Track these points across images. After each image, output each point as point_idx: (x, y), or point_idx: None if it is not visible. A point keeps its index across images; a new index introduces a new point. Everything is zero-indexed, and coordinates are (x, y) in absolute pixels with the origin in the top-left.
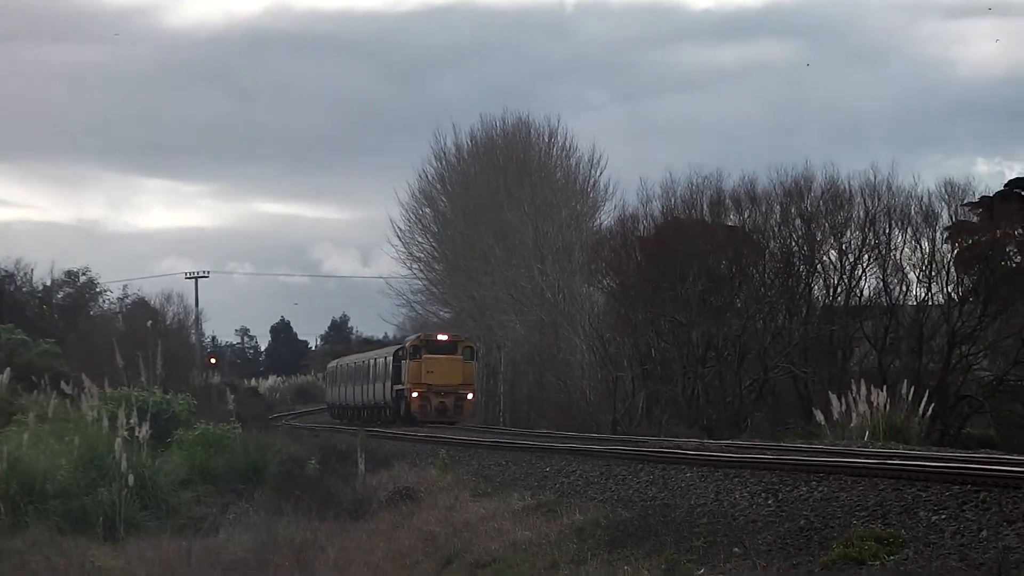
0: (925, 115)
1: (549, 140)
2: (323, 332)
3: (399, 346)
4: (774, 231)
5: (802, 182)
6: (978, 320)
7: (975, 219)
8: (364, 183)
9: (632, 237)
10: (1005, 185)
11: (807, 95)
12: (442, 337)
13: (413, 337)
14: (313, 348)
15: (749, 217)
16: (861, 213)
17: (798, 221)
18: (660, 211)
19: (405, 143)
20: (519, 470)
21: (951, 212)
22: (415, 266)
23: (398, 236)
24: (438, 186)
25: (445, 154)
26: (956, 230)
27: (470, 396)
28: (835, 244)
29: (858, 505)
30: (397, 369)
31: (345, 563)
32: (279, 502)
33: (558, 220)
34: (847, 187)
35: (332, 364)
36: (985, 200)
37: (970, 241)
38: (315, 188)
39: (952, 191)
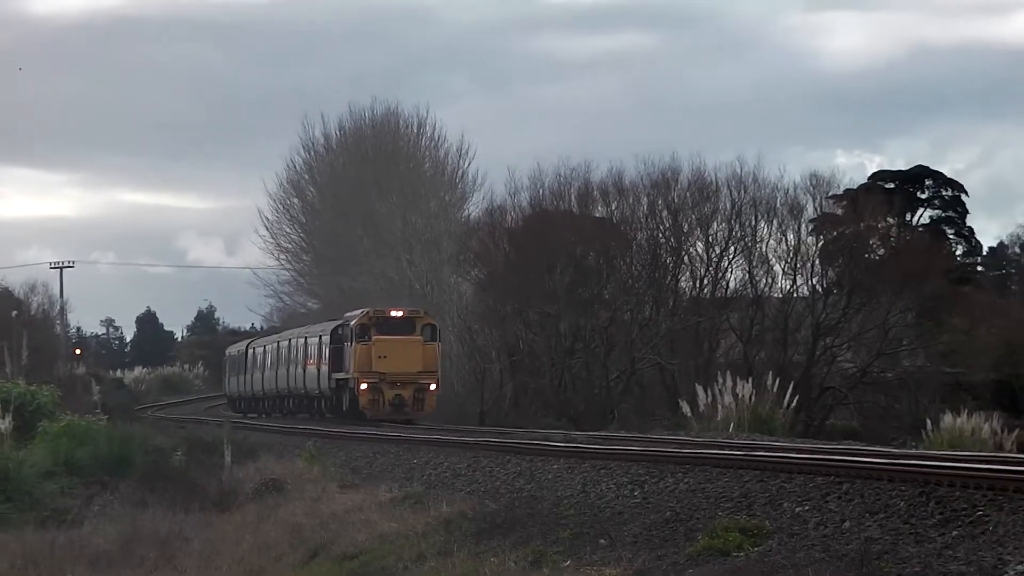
0: (788, 107)
1: (418, 130)
2: (189, 323)
3: (337, 324)
4: (641, 222)
5: (669, 174)
6: (842, 312)
7: (839, 212)
8: (230, 172)
9: (500, 228)
10: (869, 178)
11: (673, 85)
12: (396, 313)
13: (359, 313)
14: (179, 339)
15: (617, 208)
16: (727, 205)
17: (665, 213)
18: (528, 202)
19: (273, 132)
20: (387, 462)
21: (816, 204)
22: (283, 257)
23: (265, 226)
24: (306, 176)
25: (313, 144)
26: (821, 222)
27: (432, 387)
28: (702, 236)
29: (723, 496)
30: (337, 353)
31: (210, 555)
32: (144, 494)
33: (426, 211)
34: (714, 179)
35: (237, 347)
36: (849, 193)
37: (834, 233)
38: (180, 177)
39: (817, 183)
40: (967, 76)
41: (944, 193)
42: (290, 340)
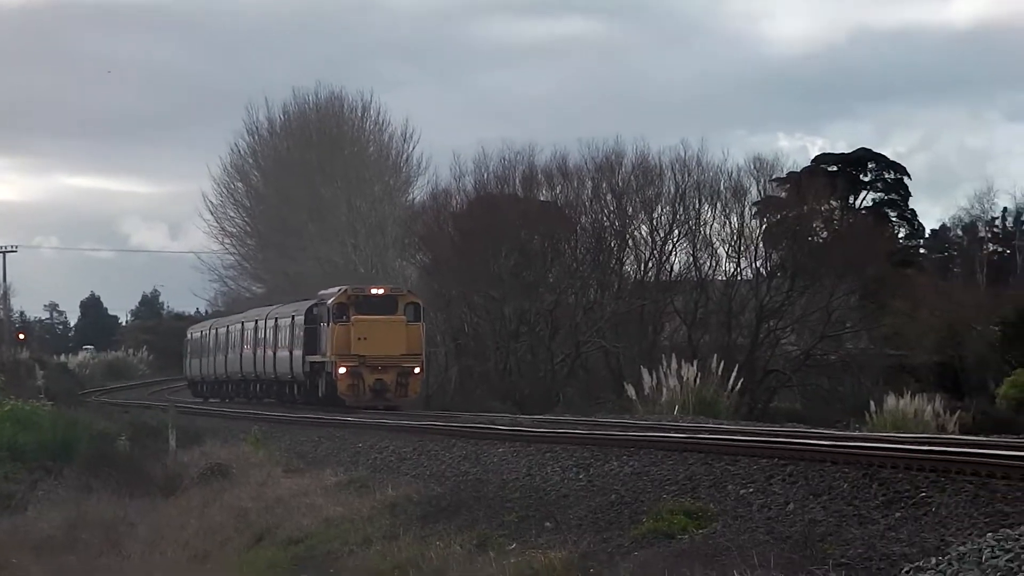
0: (731, 91)
1: (362, 115)
2: (133, 307)
3: (312, 303)
4: (586, 206)
5: (613, 157)
6: (785, 295)
7: (783, 195)
8: (173, 157)
9: (445, 212)
10: (812, 161)
11: (618, 70)
12: (377, 291)
13: (336, 291)
14: (124, 324)
15: (561, 192)
16: (671, 188)
17: (609, 196)
18: (473, 186)
19: (216, 117)
20: (332, 446)
21: (760, 188)
22: (227, 241)
23: (210, 211)
24: (250, 161)
25: (258, 128)
26: (764, 205)
27: (417, 370)
28: (646, 219)
29: (668, 479)
30: (312, 334)
31: (155, 540)
32: (89, 479)
33: (371, 195)
34: (658, 162)
35: (200, 328)
36: (793, 176)
37: (778, 216)
38: (123, 162)
39: (761, 167)
40: (909, 60)
41: (887, 176)
42: (258, 321)
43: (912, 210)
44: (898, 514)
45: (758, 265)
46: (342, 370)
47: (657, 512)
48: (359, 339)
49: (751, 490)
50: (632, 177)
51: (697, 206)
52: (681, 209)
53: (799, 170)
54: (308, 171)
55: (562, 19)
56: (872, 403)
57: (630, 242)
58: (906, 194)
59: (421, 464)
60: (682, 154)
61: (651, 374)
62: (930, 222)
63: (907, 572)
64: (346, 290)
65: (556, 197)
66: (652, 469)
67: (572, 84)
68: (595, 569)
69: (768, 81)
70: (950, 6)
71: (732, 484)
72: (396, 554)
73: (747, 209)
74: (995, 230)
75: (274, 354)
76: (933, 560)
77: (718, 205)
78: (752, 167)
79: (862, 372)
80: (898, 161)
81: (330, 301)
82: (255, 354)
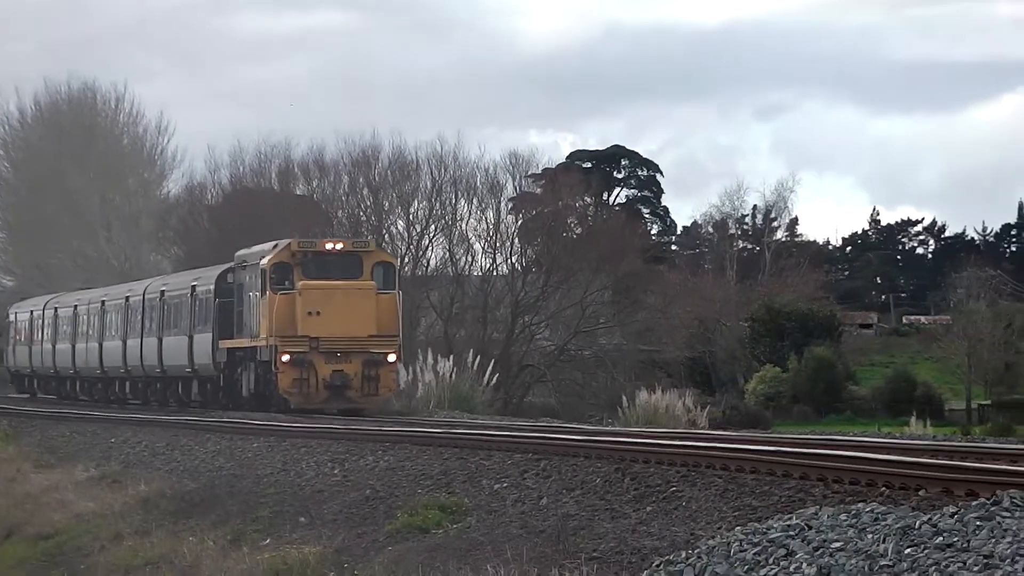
0: (485, 86)
1: (116, 106)
2: None
3: (227, 268)
4: (343, 201)
5: (370, 152)
6: (541, 291)
7: (538, 191)
8: None
9: (200, 206)
10: (567, 157)
11: (373, 64)
12: (334, 246)
13: (271, 247)
14: None
15: (318, 187)
16: (428, 183)
17: (366, 191)
18: (229, 179)
19: None
20: (84, 441)
21: (515, 183)
22: None
23: None
24: (1, 152)
25: (8, 119)
26: (520, 201)
27: (392, 358)
28: (402, 214)
29: (423, 474)
30: (228, 310)
31: None
32: None
33: (125, 188)
34: (414, 157)
35: (31, 305)
36: (548, 172)
37: (533, 212)
38: None
39: (516, 162)
40: (661, 57)
41: (640, 173)
42: (129, 298)
43: (664, 207)
44: (649, 508)
45: (514, 260)
46: (285, 358)
47: (412, 507)
48: (309, 314)
49: (505, 485)
50: (389, 172)
51: (453, 201)
52: (438, 204)
53: (554, 166)
54: (61, 163)
55: (315, 11)
56: (624, 398)
57: (387, 237)
58: (659, 191)
59: (175, 459)
60: (439, 149)
61: (407, 369)
62: (682, 219)
63: (657, 566)
64: (289, 244)
65: (313, 191)
66: (407, 464)
67: (328, 77)
68: (349, 564)
69: (520, 76)
70: (702, 4)
71: (486, 479)
72: (148, 550)
73: (503, 205)
74: (745, 227)
75: (158, 341)
76: (683, 554)
77: (474, 200)
78: (508, 163)
79: (615, 367)
80: (650, 159)
81: (265, 260)
82: (125, 343)
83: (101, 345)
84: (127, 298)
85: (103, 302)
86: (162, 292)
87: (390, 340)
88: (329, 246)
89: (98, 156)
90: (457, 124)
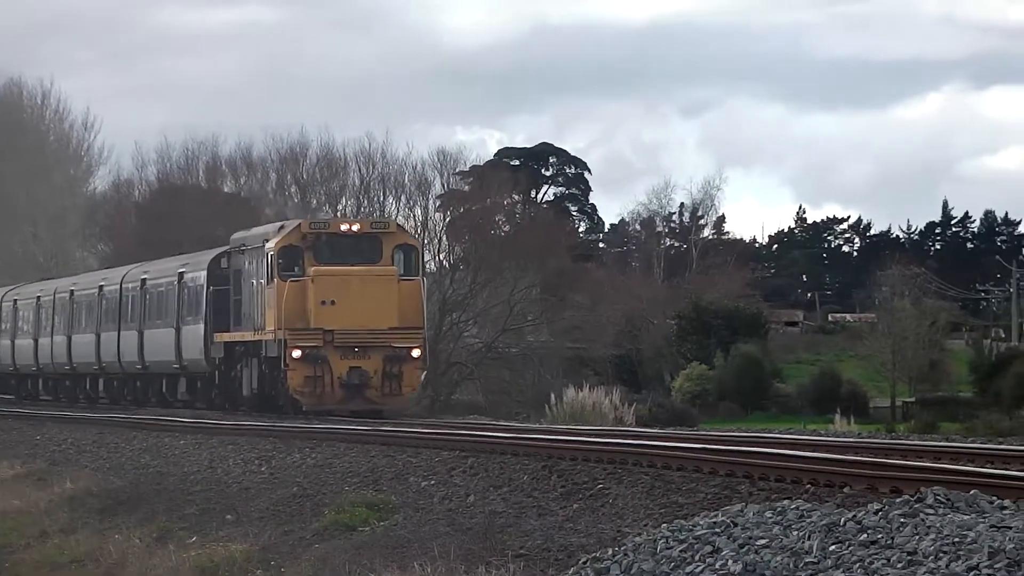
0: (412, 83)
1: (42, 102)
2: None
3: (222, 251)
4: (270, 198)
5: (298, 149)
6: (469, 288)
7: (466, 188)
8: None
9: (128, 202)
10: (495, 155)
11: (302, 59)
12: (350, 227)
13: (277, 228)
14: None
15: (246, 183)
16: (356, 181)
17: (294, 188)
18: (156, 176)
19: None
20: (9, 438)
21: (443, 181)
22: None
23: None
24: None
25: None
26: (448, 199)
27: (416, 353)
28: (330, 211)
29: (351, 471)
30: (224, 299)
31: None
32: None
33: (51, 185)
34: (342, 154)
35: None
36: (476, 169)
37: (461, 210)
38: None
39: (444, 160)
40: (588, 55)
41: (568, 170)
42: (103, 287)
43: (592, 205)
44: (576, 505)
45: (441, 258)
46: (296, 354)
47: (339, 504)
48: (322, 304)
49: (433, 482)
50: (317, 169)
51: (381, 199)
52: (366, 201)
53: (482, 164)
54: None
55: (243, 6)
56: (552, 395)
57: None
58: (586, 189)
59: (101, 456)
60: (367, 146)
61: None
62: (609, 216)
63: (584, 563)
64: (299, 225)
65: (241, 188)
66: (335, 461)
67: (256, 72)
68: (276, 562)
69: (448, 73)
70: (627, 3)
71: (414, 476)
72: (74, 548)
73: (431, 202)
74: (672, 225)
75: (139, 334)
76: (610, 551)
77: (402, 198)
78: (436, 160)
79: (543, 365)
80: (578, 156)
81: (272, 243)
82: (99, 336)
83: (70, 339)
84: (101, 287)
85: (72, 292)
86: (143, 280)
87: (414, 333)
88: (344, 227)
89: (24, 152)
90: (385, 121)
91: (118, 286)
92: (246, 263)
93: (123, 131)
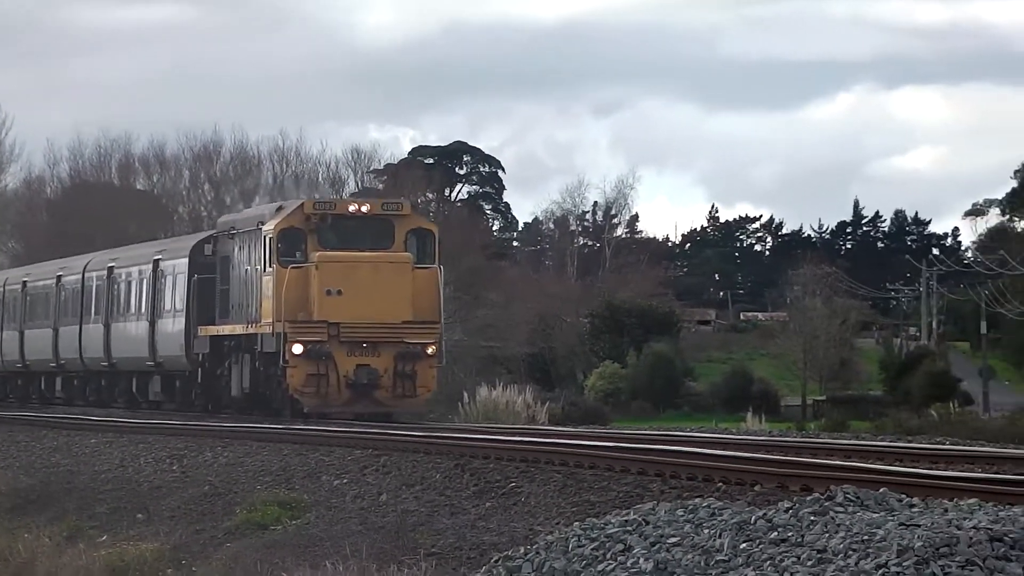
0: (325, 81)
1: None
2: None
3: (208, 235)
4: (184, 195)
5: (211, 147)
6: None
7: (380, 186)
8: None
9: (39, 200)
10: (409, 152)
11: (214, 57)
12: (359, 207)
13: (278, 210)
14: None
15: (159, 181)
16: (270, 179)
17: (207, 186)
18: (68, 174)
19: None
20: None
21: (357, 179)
22: None
23: None
24: None
25: None
26: (364, 196)
27: (431, 350)
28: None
29: (263, 470)
30: (209, 288)
31: None
32: None
33: None
34: (256, 152)
35: None
36: (390, 167)
37: None
38: None
39: (358, 158)
40: (500, 54)
41: (482, 169)
42: (60, 277)
43: (506, 203)
44: (489, 504)
45: None
46: (297, 349)
47: (251, 503)
48: (327, 293)
49: (345, 481)
50: (231, 167)
51: (296, 196)
52: (280, 199)
53: (396, 162)
54: None
55: (156, 4)
56: (465, 394)
57: None
58: (500, 187)
59: (10, 455)
60: (280, 144)
61: None
62: (523, 215)
63: (496, 561)
64: (302, 205)
65: (154, 186)
66: (247, 460)
67: (168, 70)
68: (187, 561)
69: (360, 71)
70: (539, 2)
71: (326, 475)
72: None
73: None
74: (585, 224)
75: (105, 328)
76: (522, 549)
77: (316, 196)
78: (350, 158)
79: (456, 363)
80: (492, 155)
81: (270, 226)
82: (56, 331)
83: (22, 335)
84: (59, 277)
85: (24, 283)
86: (110, 269)
87: (430, 328)
88: (352, 208)
89: None
90: (299, 119)
91: (79, 276)
92: (236, 248)
93: (35, 129)
